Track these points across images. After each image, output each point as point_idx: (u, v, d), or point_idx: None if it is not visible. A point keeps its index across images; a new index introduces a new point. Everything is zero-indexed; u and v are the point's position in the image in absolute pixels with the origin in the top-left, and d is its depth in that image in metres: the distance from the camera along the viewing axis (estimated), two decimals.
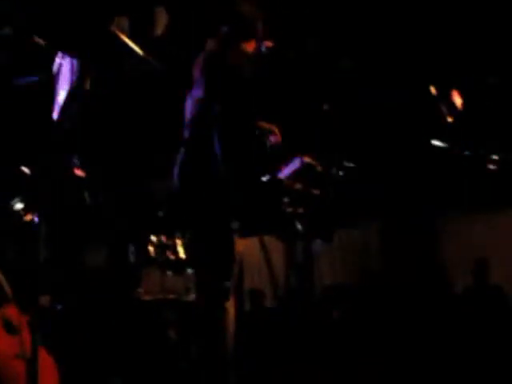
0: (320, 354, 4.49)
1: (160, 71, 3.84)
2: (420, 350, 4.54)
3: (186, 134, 3.74)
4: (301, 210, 4.50)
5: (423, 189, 5.23)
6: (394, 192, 5.26)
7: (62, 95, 3.67)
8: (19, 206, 4.28)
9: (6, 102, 4.15)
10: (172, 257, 4.55)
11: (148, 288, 4.53)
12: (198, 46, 3.87)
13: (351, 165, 4.63)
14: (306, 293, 4.77)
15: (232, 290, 3.66)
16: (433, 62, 5.42)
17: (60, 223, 4.30)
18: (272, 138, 3.90)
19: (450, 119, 4.53)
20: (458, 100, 4.72)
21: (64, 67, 3.57)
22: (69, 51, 3.33)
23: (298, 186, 4.44)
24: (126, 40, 3.30)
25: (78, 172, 4.39)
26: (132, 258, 4.56)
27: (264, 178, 4.31)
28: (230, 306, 3.67)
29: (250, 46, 3.79)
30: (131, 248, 4.57)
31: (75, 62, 3.51)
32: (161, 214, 4.65)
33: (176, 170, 3.75)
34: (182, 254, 4.55)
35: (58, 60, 3.62)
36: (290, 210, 4.50)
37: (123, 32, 3.40)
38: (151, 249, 4.57)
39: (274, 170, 4.37)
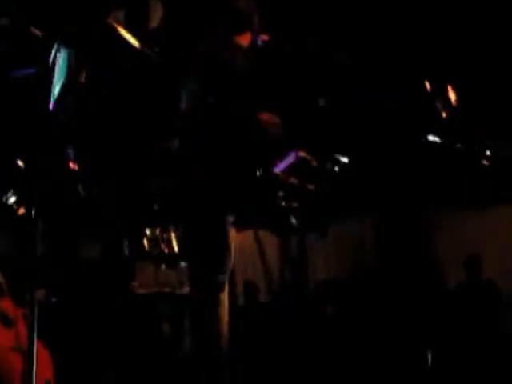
0: (314, 347, 4.49)
1: (155, 64, 3.83)
2: (413, 343, 4.55)
3: (181, 124, 3.73)
4: (295, 205, 4.49)
5: (418, 185, 5.24)
6: (388, 188, 5.27)
7: (57, 88, 3.65)
8: (12, 199, 4.27)
9: (1, 94, 4.14)
10: (166, 250, 4.54)
11: (142, 281, 4.52)
12: (193, 38, 3.86)
13: (346, 160, 4.62)
14: (300, 287, 4.77)
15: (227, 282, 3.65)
16: (428, 57, 5.43)
17: (55, 217, 4.28)
18: (273, 129, 3.88)
19: (444, 115, 4.53)
20: (452, 96, 4.72)
21: (60, 59, 3.55)
22: (65, 43, 3.31)
23: (293, 180, 4.43)
24: (123, 32, 3.28)
25: (73, 165, 4.38)
26: (126, 252, 4.55)
27: (259, 172, 4.30)
28: (224, 298, 3.66)
29: (245, 40, 3.77)
30: (125, 242, 4.55)
31: (71, 54, 3.49)
32: (155, 207, 4.64)
33: (171, 161, 3.73)
34: (176, 247, 4.55)
35: (53, 52, 3.60)
36: (284, 204, 4.49)
37: (119, 24, 3.38)
38: (145, 242, 4.57)
39: (269, 164, 4.36)
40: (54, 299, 4.18)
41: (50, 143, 3.44)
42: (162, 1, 4.47)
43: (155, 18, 4.25)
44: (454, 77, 5.03)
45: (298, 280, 4.76)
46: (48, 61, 3.36)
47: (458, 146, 4.78)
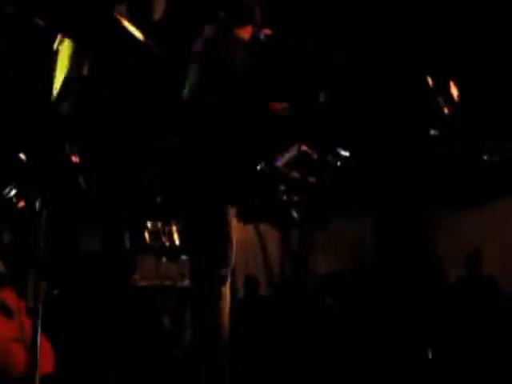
0: (314, 341, 4.50)
1: (158, 57, 3.82)
2: (413, 338, 4.56)
3: (183, 117, 3.72)
4: (297, 198, 4.50)
5: (418, 184, 5.25)
6: (389, 185, 5.27)
7: (59, 81, 3.64)
8: (13, 192, 4.26)
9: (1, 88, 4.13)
10: (167, 243, 4.55)
11: (143, 274, 4.53)
12: (195, 31, 3.85)
13: (347, 153, 4.62)
14: (301, 281, 4.77)
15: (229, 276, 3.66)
16: (430, 53, 5.42)
17: (56, 210, 4.28)
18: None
19: (447, 111, 4.53)
20: (454, 92, 4.72)
21: (62, 52, 3.55)
22: (68, 35, 3.30)
23: (295, 174, 4.43)
24: (126, 24, 3.27)
25: (74, 158, 4.37)
26: (127, 245, 4.54)
27: (260, 166, 4.30)
28: (226, 292, 3.66)
29: (247, 33, 3.77)
30: (126, 234, 4.55)
31: (74, 46, 3.48)
32: (158, 200, 4.64)
33: (173, 156, 3.73)
34: (177, 240, 4.55)
35: (56, 45, 3.59)
36: (285, 197, 4.49)
37: (122, 16, 3.38)
38: (147, 235, 4.57)
39: (270, 158, 4.36)
40: (55, 292, 4.18)
41: (51, 136, 3.43)
42: None
43: (158, 10, 4.24)
44: (456, 73, 5.03)
45: (299, 274, 4.76)
46: (50, 52, 3.35)
47: (459, 141, 4.78)
